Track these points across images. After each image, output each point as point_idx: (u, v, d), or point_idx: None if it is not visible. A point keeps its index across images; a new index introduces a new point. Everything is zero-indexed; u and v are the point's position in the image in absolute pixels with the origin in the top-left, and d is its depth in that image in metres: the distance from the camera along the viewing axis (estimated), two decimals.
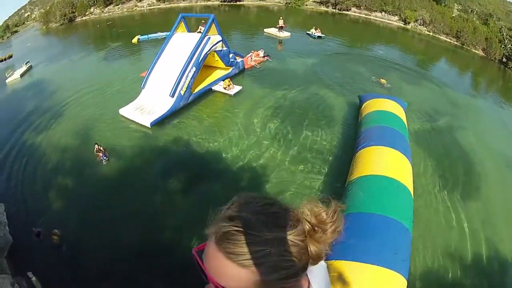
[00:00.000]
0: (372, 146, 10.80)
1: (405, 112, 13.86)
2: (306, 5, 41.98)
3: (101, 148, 14.66)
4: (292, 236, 0.95)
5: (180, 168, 13.53)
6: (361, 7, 37.94)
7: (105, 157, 14.34)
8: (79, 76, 26.24)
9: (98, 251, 10.41)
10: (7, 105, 25.31)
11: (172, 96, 17.06)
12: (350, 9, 38.72)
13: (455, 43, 34.19)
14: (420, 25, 36.10)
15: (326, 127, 14.88)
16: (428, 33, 35.64)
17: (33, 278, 10.57)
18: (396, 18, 36.60)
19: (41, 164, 15.49)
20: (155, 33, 31.85)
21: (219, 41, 19.03)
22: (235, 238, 0.91)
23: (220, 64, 19.95)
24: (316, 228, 1.03)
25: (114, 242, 10.56)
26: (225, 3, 46.49)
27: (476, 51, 32.87)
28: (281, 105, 17.04)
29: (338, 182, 11.19)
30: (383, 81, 19.20)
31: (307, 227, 1.02)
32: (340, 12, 39.12)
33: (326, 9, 40.87)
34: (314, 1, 42.17)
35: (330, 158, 12.94)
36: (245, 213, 0.96)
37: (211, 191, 11.94)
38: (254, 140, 14.42)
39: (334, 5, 39.78)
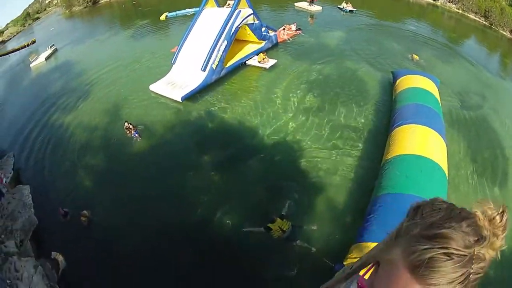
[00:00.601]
0: (408, 125, 10.60)
1: (438, 90, 13.24)
2: None
3: (131, 126, 14.24)
4: (484, 249, 0.75)
5: (214, 144, 12.96)
6: None
7: (136, 134, 13.89)
8: (106, 55, 25.93)
9: (127, 231, 10.00)
10: (33, 88, 25.34)
11: (204, 70, 16.36)
12: None
13: (484, 22, 32.56)
14: (449, 1, 34.82)
15: (360, 103, 14.10)
16: (457, 10, 34.22)
17: (59, 258, 10.27)
18: None
19: (69, 144, 15.24)
20: (183, 9, 31.01)
21: (250, 14, 18.17)
22: (440, 265, 0.72)
23: (253, 38, 19.13)
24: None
25: (144, 222, 10.13)
26: None
27: (504, 33, 30.86)
28: (316, 80, 16.20)
29: (374, 160, 10.71)
30: (415, 57, 18.24)
31: (487, 234, 0.77)
32: None
33: None
34: None
35: (365, 134, 12.27)
36: (447, 227, 0.76)
37: (246, 167, 11.41)
38: (290, 116, 13.74)
39: None
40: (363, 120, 12.97)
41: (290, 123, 13.26)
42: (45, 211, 11.86)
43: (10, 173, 14.69)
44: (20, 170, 14.80)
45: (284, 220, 8.58)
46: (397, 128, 10.74)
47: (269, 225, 8.41)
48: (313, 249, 8.44)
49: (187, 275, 8.38)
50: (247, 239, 8.85)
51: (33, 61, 31.97)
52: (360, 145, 11.70)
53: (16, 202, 12.62)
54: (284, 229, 8.42)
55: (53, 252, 10.36)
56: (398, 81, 13.76)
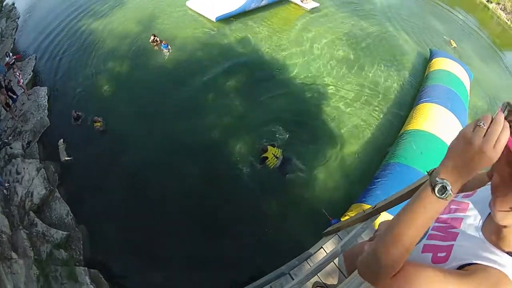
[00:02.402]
0: (434, 104, 10.51)
1: (470, 83, 13.03)
2: None
3: (157, 39, 13.94)
4: None
5: (240, 69, 12.75)
6: None
7: (166, 47, 13.56)
8: None
9: (139, 143, 9.97)
10: None
11: None
12: None
13: None
14: (501, 9, 33.38)
15: (393, 68, 13.75)
16: (506, 21, 32.75)
17: (61, 146, 10.32)
18: None
19: (95, 50, 14.85)
20: None
21: None
22: None
23: None
24: None
25: (158, 136, 10.13)
26: None
27: None
28: (354, 34, 15.65)
29: (393, 127, 10.68)
30: (453, 42, 17.63)
31: None
32: None
33: None
34: None
35: (390, 100, 12.06)
36: None
37: (267, 99, 11.34)
38: (319, 63, 13.39)
39: None
40: (391, 86, 12.73)
41: (318, 68, 13.02)
42: (58, 114, 11.81)
43: (30, 74, 14.59)
44: (40, 73, 14.53)
45: (275, 147, 8.85)
46: (423, 104, 10.67)
47: (264, 155, 8.61)
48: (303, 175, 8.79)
49: (188, 195, 8.46)
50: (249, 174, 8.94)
51: None
52: (383, 108, 11.55)
53: (30, 103, 12.70)
54: (278, 155, 8.65)
55: (60, 140, 10.40)
56: (434, 60, 13.56)
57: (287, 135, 9.94)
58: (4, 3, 26.43)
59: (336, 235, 4.73)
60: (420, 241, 1.11)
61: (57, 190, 9.03)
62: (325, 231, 4.99)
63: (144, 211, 8.21)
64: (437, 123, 9.69)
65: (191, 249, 7.42)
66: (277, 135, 9.87)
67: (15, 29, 21.91)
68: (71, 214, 8.39)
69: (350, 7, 18.07)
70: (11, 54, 16.02)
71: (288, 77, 12.44)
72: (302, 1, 16.89)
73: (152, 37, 13.90)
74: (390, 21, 17.66)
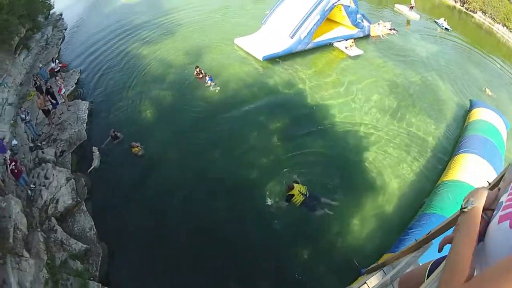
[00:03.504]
0: (471, 154, 10.54)
1: (507, 132, 12.86)
2: None
3: (201, 71, 14.41)
4: None
5: (283, 110, 12.89)
6: (487, 14, 34.70)
7: (210, 81, 13.99)
8: (198, 2, 26.11)
9: (173, 173, 10.11)
10: (118, 15, 25.86)
11: (292, 37, 16.30)
12: (476, 12, 35.70)
13: None
14: None
15: (433, 119, 13.46)
16: None
17: (96, 153, 10.70)
18: None
19: (140, 74, 15.61)
20: None
21: None
22: None
23: (346, 22, 18.70)
24: None
25: (195, 165, 10.28)
26: None
27: None
28: (396, 82, 15.62)
29: (430, 178, 10.39)
30: (487, 91, 17.11)
31: None
32: (466, 11, 36.17)
33: (454, 4, 37.81)
34: None
35: (429, 151, 11.79)
36: None
37: (306, 141, 11.37)
38: (360, 108, 13.43)
39: (463, 3, 37.12)
40: (431, 136, 12.53)
41: (359, 113, 13.04)
42: (96, 130, 12.27)
43: (72, 86, 15.26)
44: (82, 86, 15.29)
45: (301, 184, 8.87)
46: (461, 154, 10.64)
47: (290, 192, 8.58)
48: (331, 213, 8.69)
49: (212, 230, 8.43)
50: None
51: None
52: (421, 158, 11.32)
53: (69, 114, 13.14)
54: (304, 192, 8.64)
55: (94, 147, 10.84)
56: (473, 110, 13.48)
57: (320, 175, 9.91)
58: (52, 12, 29.00)
59: (381, 270, 4.53)
60: (495, 215, 1.22)
61: (84, 203, 9.20)
62: (368, 268, 4.82)
63: (167, 239, 8.25)
64: (473, 173, 9.57)
65: None
66: (309, 174, 9.82)
67: (61, 39, 23.38)
68: (94, 229, 8.54)
69: (393, 55, 18.16)
70: (57, 61, 16.63)
71: (327, 120, 12.51)
72: (346, 48, 17.17)
73: (196, 70, 14.41)
74: (431, 70, 17.55)
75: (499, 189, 1.41)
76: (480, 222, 1.22)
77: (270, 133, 11.71)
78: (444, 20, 25.82)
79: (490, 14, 34.32)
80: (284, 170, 9.97)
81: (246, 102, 13.27)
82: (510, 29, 32.49)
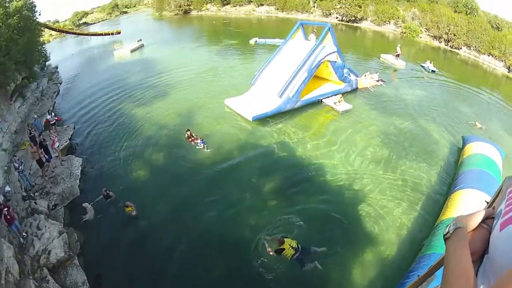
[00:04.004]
0: (468, 189, 10.48)
1: (502, 161, 12.86)
2: (420, 37, 40.23)
3: (193, 134, 14.58)
4: None
5: (274, 169, 12.98)
6: (471, 48, 36.44)
7: (202, 144, 14.15)
8: (189, 62, 27.14)
9: (164, 233, 10.11)
10: (112, 73, 27.04)
11: (280, 97, 16.63)
12: (461, 48, 37.36)
13: None
14: None
15: (426, 162, 13.53)
16: None
17: (88, 207, 10.82)
18: (502, 64, 33.71)
19: (132, 134, 15.92)
20: (273, 38, 31.72)
21: (334, 52, 18.27)
22: None
23: (333, 77, 19.14)
24: None
25: (188, 226, 10.27)
26: (343, 22, 46.58)
27: None
28: (386, 131, 15.81)
29: (428, 219, 10.39)
30: (478, 124, 17.40)
31: None
32: (451, 49, 37.82)
33: (439, 44, 39.51)
34: (428, 35, 40.60)
35: (425, 192, 11.81)
36: None
37: (299, 197, 11.36)
38: (350, 160, 13.54)
39: (447, 41, 38.81)
40: (425, 179, 12.56)
41: (352, 168, 13.07)
42: (89, 187, 12.43)
43: (66, 142, 15.57)
44: (77, 143, 15.58)
45: (291, 238, 8.86)
46: (458, 191, 10.60)
47: (281, 247, 8.57)
48: (320, 267, 8.56)
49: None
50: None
51: (117, 50, 34.51)
52: (418, 203, 11.29)
53: (62, 169, 13.39)
54: (294, 246, 8.64)
55: (84, 204, 10.90)
56: (466, 146, 13.64)
57: (316, 228, 9.93)
58: (48, 63, 29.73)
59: None
60: (495, 224, 1.18)
61: (76, 258, 9.23)
62: None
63: None
64: (472, 207, 9.32)
65: None
66: (303, 228, 9.85)
67: (56, 92, 24.11)
68: (87, 284, 8.56)
69: (382, 106, 18.55)
70: (53, 114, 16.84)
71: (320, 175, 12.53)
72: (335, 103, 17.46)
73: (187, 133, 14.59)
74: (420, 115, 17.86)
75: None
76: (482, 235, 1.20)
77: (262, 192, 11.76)
78: (430, 62, 26.65)
79: (475, 46, 35.90)
80: (278, 226, 9.96)
81: (238, 162, 13.40)
82: (495, 56, 33.60)
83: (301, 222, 10.12)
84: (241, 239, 9.72)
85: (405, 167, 13.03)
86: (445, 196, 11.22)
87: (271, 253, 8.74)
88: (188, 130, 14.70)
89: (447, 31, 37.98)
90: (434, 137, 15.58)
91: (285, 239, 8.70)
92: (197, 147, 14.09)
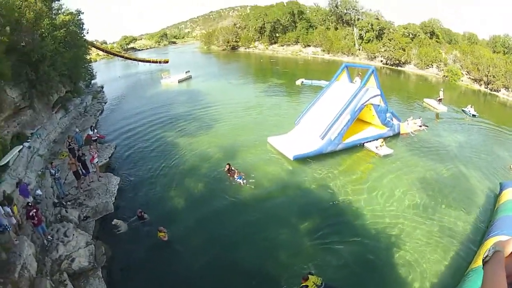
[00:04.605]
0: (502, 236, 9.96)
1: None
2: (462, 80, 39.84)
3: (232, 168, 15.02)
4: None
5: (311, 209, 13.18)
6: (509, 89, 36.06)
7: (240, 179, 14.59)
8: (235, 97, 28.46)
9: (195, 264, 10.26)
10: (157, 100, 28.58)
11: (322, 138, 17.05)
12: (499, 90, 36.93)
13: None
14: None
15: (462, 210, 13.30)
16: None
17: (118, 223, 11.39)
18: None
19: (173, 162, 16.72)
20: (319, 80, 32.32)
21: (377, 95, 18.58)
22: None
23: (376, 121, 19.37)
24: None
25: (219, 261, 10.46)
26: (387, 65, 47.28)
27: None
28: (426, 178, 15.67)
29: (460, 267, 10.07)
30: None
31: None
32: (491, 92, 37.36)
33: (479, 87, 39.11)
34: (469, 78, 40.19)
35: (459, 242, 11.46)
36: None
37: (333, 239, 11.37)
38: (388, 204, 13.53)
39: (486, 84, 38.43)
40: (461, 227, 12.30)
41: (389, 211, 13.05)
42: (123, 205, 13.10)
43: (106, 159, 16.49)
44: (115, 161, 16.41)
45: (315, 276, 8.91)
46: (491, 238, 10.32)
47: (304, 283, 8.67)
48: None
49: None
50: None
51: (164, 78, 36.56)
52: (451, 251, 11.05)
53: (99, 184, 14.08)
54: (318, 283, 8.72)
55: (114, 220, 11.47)
56: (503, 192, 13.31)
57: (344, 267, 10.11)
58: (93, 82, 31.56)
59: None
60: None
61: (100, 270, 9.58)
62: None
63: None
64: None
65: None
66: (331, 266, 10.08)
67: (100, 111, 25.56)
68: None
69: (422, 151, 18.43)
70: (95, 130, 17.78)
71: (357, 218, 12.61)
72: (376, 147, 17.59)
73: (227, 167, 15.08)
74: (460, 160, 17.58)
75: None
76: None
77: (297, 229, 11.97)
78: (471, 106, 26.35)
79: None
80: (308, 262, 10.15)
81: (276, 199, 13.78)
82: None
83: (332, 261, 10.28)
84: (270, 271, 9.95)
85: (442, 214, 12.91)
86: (479, 244, 10.99)
87: None
88: (228, 164, 15.21)
89: (486, 73, 37.64)
90: (473, 183, 15.37)
91: (310, 276, 8.85)
92: (236, 182, 14.57)
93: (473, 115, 25.70)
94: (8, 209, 9.59)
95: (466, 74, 40.46)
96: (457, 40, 48.81)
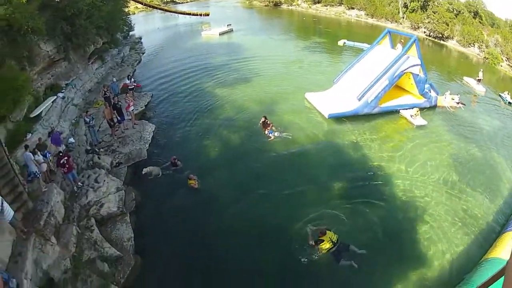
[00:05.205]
0: None
1: None
2: (501, 65, 38.23)
3: (268, 122, 15.08)
4: None
5: (338, 167, 13.51)
6: None
7: (271, 133, 14.80)
8: (276, 52, 28.36)
9: (222, 212, 10.62)
10: (197, 52, 28.71)
11: (359, 100, 17.34)
12: None
13: None
14: None
15: (489, 196, 12.99)
16: None
17: (150, 169, 11.61)
18: None
19: (209, 112, 17.00)
20: (362, 43, 31.87)
21: (418, 65, 18.44)
22: None
23: (414, 90, 19.35)
24: None
25: (246, 210, 10.76)
26: (430, 37, 45.75)
27: None
28: (457, 155, 15.48)
29: (475, 256, 9.96)
30: None
31: None
32: None
33: None
34: (508, 65, 38.34)
35: (479, 228, 11.37)
36: None
37: (356, 198, 11.67)
38: (415, 175, 13.58)
39: None
40: (483, 213, 12.13)
41: (415, 183, 13.11)
42: (157, 153, 13.32)
43: (142, 107, 16.85)
44: (150, 110, 16.66)
45: (332, 232, 9.23)
46: (509, 232, 10.21)
47: (321, 237, 9.04)
48: (356, 266, 8.68)
49: (250, 271, 8.87)
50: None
51: (205, 30, 36.51)
52: (470, 235, 10.95)
53: (133, 132, 14.27)
54: (334, 240, 9.02)
55: (144, 169, 11.67)
56: None
57: (363, 227, 10.33)
58: (132, 33, 31.86)
59: None
60: None
61: (128, 215, 9.88)
62: None
63: (202, 271, 8.72)
64: None
65: None
66: (348, 224, 10.29)
67: (138, 61, 25.99)
68: (133, 241, 9.07)
69: (456, 128, 18.23)
70: (133, 79, 18.03)
71: (383, 183, 12.81)
72: (411, 116, 17.71)
73: (263, 119, 15.16)
74: (493, 145, 17.26)
75: None
76: None
77: (321, 184, 12.32)
78: (508, 93, 25.54)
79: None
80: (326, 218, 10.44)
81: (305, 153, 14.12)
82: None
83: (350, 221, 10.46)
84: (289, 220, 10.29)
85: (468, 195, 12.85)
86: (496, 235, 10.93)
87: (310, 243, 9.15)
88: (264, 116, 15.35)
89: None
90: (502, 172, 15.07)
91: (328, 231, 9.17)
92: (267, 136, 14.85)
93: (510, 103, 25.09)
94: (39, 157, 9.77)
95: (506, 60, 38.78)
96: (499, 25, 46.34)
